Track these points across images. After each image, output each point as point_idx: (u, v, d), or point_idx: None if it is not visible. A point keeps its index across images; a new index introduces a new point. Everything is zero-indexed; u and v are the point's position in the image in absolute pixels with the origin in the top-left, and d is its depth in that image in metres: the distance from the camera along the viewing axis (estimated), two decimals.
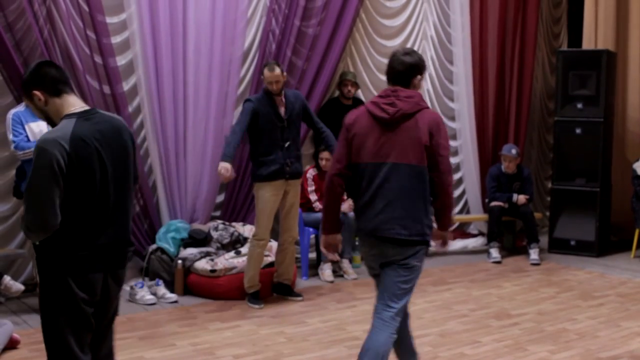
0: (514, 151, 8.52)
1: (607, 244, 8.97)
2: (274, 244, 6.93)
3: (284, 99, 6.33)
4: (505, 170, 8.56)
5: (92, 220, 3.14)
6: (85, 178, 3.09)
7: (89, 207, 3.13)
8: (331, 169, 4.06)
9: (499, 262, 8.28)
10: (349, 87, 8.09)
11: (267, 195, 6.23)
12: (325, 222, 4.14)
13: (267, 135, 6.24)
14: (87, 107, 3.25)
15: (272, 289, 6.69)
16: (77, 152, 3.05)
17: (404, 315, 4.12)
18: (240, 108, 7.53)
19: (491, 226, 8.55)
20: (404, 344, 4.19)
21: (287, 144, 6.29)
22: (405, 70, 4.00)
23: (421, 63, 4.07)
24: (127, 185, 3.29)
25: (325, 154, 7.46)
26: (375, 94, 8.48)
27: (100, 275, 3.20)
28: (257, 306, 6.32)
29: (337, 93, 8.29)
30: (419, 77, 4.05)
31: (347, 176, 4.01)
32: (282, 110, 6.29)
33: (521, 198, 8.41)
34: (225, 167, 5.96)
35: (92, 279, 3.18)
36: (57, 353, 3.18)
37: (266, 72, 6.23)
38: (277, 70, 6.23)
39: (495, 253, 8.39)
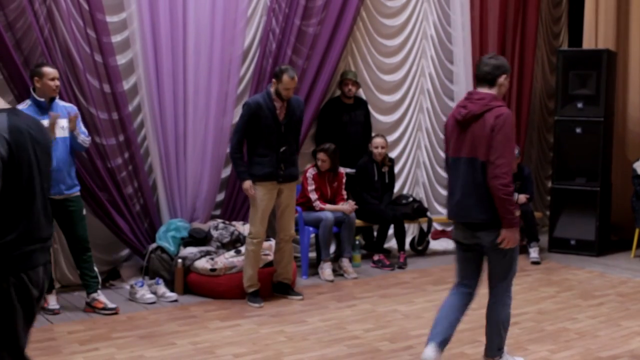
0: (515, 151, 8.54)
1: (607, 243, 8.97)
2: (273, 243, 6.93)
3: (285, 104, 6.31)
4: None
5: (31, 213, 3.09)
6: (23, 169, 3.04)
7: (29, 199, 3.08)
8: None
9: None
10: (350, 86, 8.10)
11: (260, 195, 6.28)
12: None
13: (264, 138, 6.25)
14: (10, 106, 3.22)
15: (272, 288, 6.69)
16: (16, 142, 3.00)
17: (470, 296, 4.74)
18: (240, 107, 7.56)
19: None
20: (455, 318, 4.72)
21: (282, 149, 6.29)
22: (491, 70, 4.49)
23: (506, 64, 4.56)
24: (48, 178, 3.25)
25: (321, 155, 7.47)
26: (376, 93, 8.65)
27: (42, 269, 3.16)
28: (257, 305, 6.32)
29: (338, 92, 8.29)
30: (504, 76, 4.52)
31: None
32: (281, 115, 6.28)
33: (521, 197, 8.41)
34: (249, 186, 6.28)
35: (39, 274, 3.13)
36: (7, 350, 3.12)
37: (286, 78, 6.17)
38: (296, 78, 6.29)
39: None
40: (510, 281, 4.64)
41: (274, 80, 6.28)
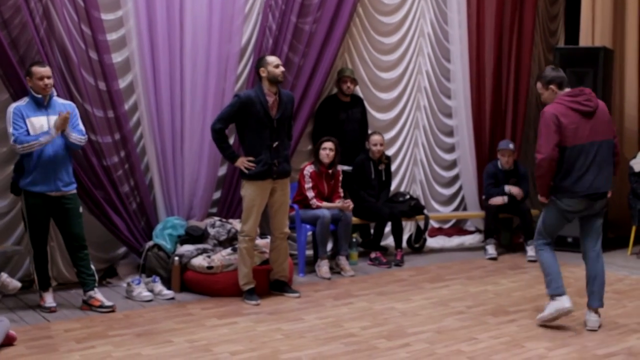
0: (511, 145, 8.63)
1: (604, 240, 8.90)
2: (269, 241, 6.93)
3: (277, 99, 6.27)
4: (503, 167, 8.59)
5: None
6: None
7: None
8: (549, 153, 5.44)
9: (494, 259, 8.29)
10: (349, 84, 8.10)
11: (253, 194, 6.26)
12: (546, 188, 5.63)
13: (256, 134, 6.22)
14: None
15: (269, 286, 6.68)
16: None
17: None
18: None
19: (488, 223, 8.57)
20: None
21: (275, 144, 6.25)
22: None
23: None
24: None
25: (329, 144, 7.48)
26: (373, 90, 8.65)
27: None
28: (253, 302, 6.29)
29: (334, 90, 8.29)
30: None
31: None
32: (273, 111, 6.23)
33: (514, 189, 8.46)
34: (242, 162, 6.25)
35: None
36: None
37: (269, 58, 6.29)
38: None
39: (491, 250, 8.40)
40: None
41: (261, 69, 6.24)
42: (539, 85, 5.70)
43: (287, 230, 6.60)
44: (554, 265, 5.78)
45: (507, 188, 8.52)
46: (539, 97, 9.67)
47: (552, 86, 5.63)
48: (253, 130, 6.21)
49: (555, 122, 5.45)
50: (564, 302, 5.61)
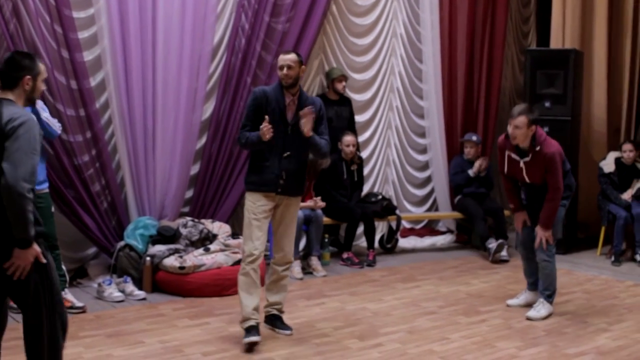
0: (474, 137, 8.86)
1: (574, 241, 9.06)
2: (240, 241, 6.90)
3: (296, 101, 5.30)
4: (467, 157, 8.74)
5: None
6: None
7: None
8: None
9: (506, 261, 8.29)
10: (344, 82, 8.29)
11: (255, 205, 5.25)
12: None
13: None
14: None
15: (264, 320, 5.62)
16: None
17: None
18: (210, 103, 7.53)
19: (481, 228, 8.59)
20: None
21: (286, 154, 5.23)
22: None
23: None
24: None
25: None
26: (347, 91, 8.63)
27: None
28: (255, 338, 5.18)
29: (316, 89, 8.36)
30: None
31: None
32: (289, 113, 5.25)
33: (477, 162, 8.77)
34: (264, 129, 5.07)
35: None
36: None
37: (280, 55, 5.31)
38: (292, 55, 5.25)
39: (504, 252, 8.36)
40: None
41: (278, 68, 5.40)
42: (524, 120, 5.79)
43: (290, 258, 5.54)
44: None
45: (471, 172, 8.75)
46: (513, 100, 9.73)
47: (533, 127, 5.83)
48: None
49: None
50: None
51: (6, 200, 3.47)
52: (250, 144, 5.22)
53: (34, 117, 3.66)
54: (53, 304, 3.75)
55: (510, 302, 6.44)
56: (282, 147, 5.20)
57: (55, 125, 5.82)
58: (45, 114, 5.74)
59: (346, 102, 8.48)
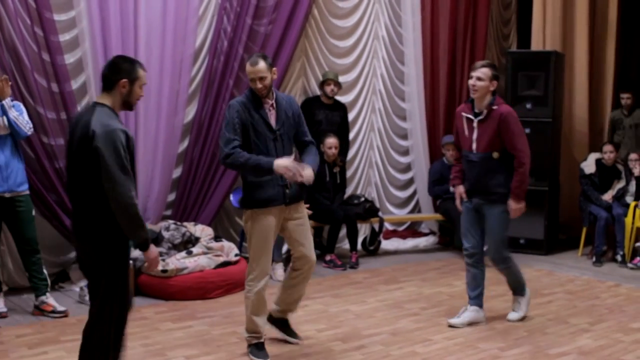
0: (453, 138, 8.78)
1: (555, 242, 9.11)
2: (226, 244, 6.89)
3: (274, 104, 5.00)
4: (449, 161, 8.67)
5: None
6: None
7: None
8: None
9: None
10: (332, 86, 8.23)
11: (264, 224, 4.93)
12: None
13: (257, 150, 4.88)
14: None
15: (271, 321, 5.40)
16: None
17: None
18: (192, 106, 7.51)
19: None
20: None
21: None
22: None
23: None
24: (72, 178, 3.82)
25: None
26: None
27: None
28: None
29: (297, 91, 8.37)
30: None
31: None
32: (272, 119, 4.96)
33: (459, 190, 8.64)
34: (284, 162, 4.75)
35: None
36: None
37: (247, 66, 4.92)
38: (261, 64, 4.86)
39: None
40: None
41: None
42: (487, 71, 5.55)
43: (314, 258, 5.25)
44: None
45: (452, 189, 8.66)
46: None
47: (494, 82, 5.59)
48: (253, 145, 4.89)
49: None
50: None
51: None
52: (256, 170, 4.81)
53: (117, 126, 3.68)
54: (112, 311, 4.03)
55: (452, 321, 5.83)
56: (275, 156, 4.86)
57: (26, 126, 5.78)
58: (14, 114, 5.70)
59: (340, 107, 8.45)
